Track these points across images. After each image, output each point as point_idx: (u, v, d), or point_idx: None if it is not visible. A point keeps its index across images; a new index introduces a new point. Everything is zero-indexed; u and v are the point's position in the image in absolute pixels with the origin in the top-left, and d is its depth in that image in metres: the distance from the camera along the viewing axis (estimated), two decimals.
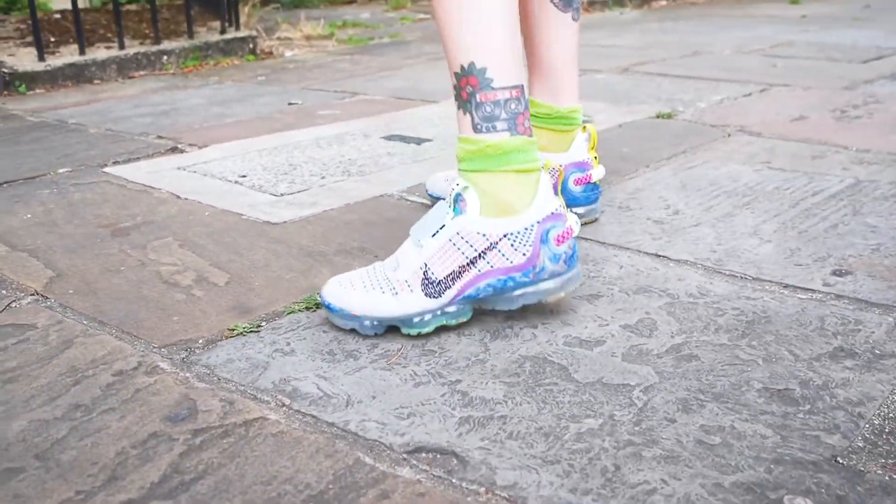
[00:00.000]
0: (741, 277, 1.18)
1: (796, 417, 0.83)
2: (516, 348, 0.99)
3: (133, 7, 4.50)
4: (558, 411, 0.86)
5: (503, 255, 1.01)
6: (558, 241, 1.02)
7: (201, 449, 0.80)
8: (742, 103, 2.31)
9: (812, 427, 0.82)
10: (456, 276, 1.01)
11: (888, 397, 0.86)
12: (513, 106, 1.01)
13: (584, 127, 1.38)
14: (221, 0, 3.62)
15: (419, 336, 1.02)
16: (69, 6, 4.50)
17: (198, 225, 1.45)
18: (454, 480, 0.75)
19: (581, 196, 1.37)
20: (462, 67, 1.01)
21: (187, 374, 0.95)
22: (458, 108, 1.03)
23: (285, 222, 1.45)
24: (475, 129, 1.02)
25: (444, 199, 1.18)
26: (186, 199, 1.61)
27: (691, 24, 4.32)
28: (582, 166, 1.37)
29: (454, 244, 1.01)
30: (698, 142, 1.91)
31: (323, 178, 1.72)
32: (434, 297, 1.01)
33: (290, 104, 2.54)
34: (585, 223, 1.37)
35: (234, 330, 1.05)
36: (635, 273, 1.20)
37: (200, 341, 1.03)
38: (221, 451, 0.80)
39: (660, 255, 1.26)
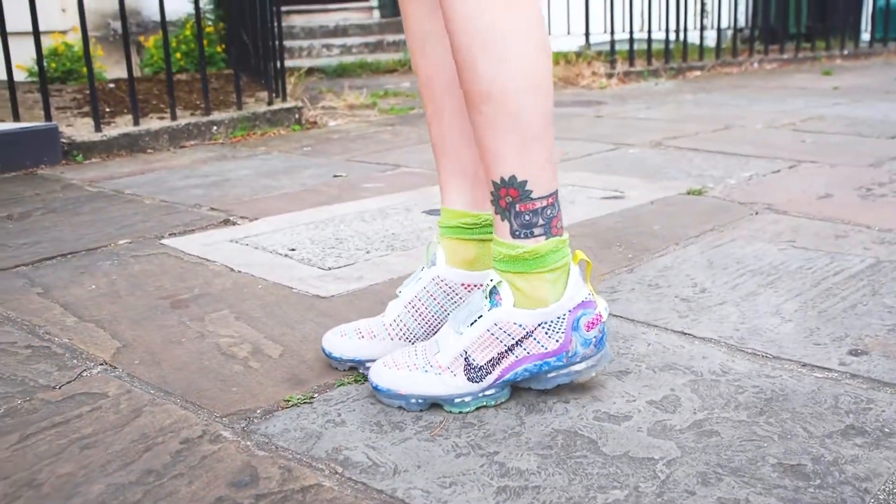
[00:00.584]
0: (762, 356, 1.25)
1: (807, 491, 0.90)
2: (549, 422, 1.07)
3: (183, 77, 4.72)
4: (587, 482, 0.93)
5: (538, 342, 1.09)
6: (588, 327, 1.10)
7: None
8: (770, 180, 2.39)
9: (821, 501, 0.88)
10: (496, 362, 1.09)
11: (894, 473, 0.93)
12: (549, 212, 1.08)
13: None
14: (269, 72, 3.81)
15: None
16: (122, 75, 4.75)
17: (251, 298, 1.56)
18: None
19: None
20: (503, 179, 1.06)
21: (248, 443, 1.04)
22: (496, 213, 1.09)
23: (333, 296, 1.55)
24: (513, 234, 1.08)
25: (340, 359, 1.22)
26: (240, 271, 1.72)
27: (725, 96, 4.42)
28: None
29: (492, 334, 1.09)
30: (726, 219, 1.99)
31: (368, 252, 1.82)
32: (476, 381, 1.09)
33: (335, 176, 2.67)
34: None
35: (289, 401, 1.15)
36: (662, 350, 1.28)
37: (258, 411, 1.12)
38: None
39: (686, 333, 1.34)
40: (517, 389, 1.15)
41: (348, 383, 1.19)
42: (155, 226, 2.11)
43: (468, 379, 1.09)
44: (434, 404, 1.11)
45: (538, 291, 1.09)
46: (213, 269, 1.74)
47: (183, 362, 1.28)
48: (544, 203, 1.08)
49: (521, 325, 1.09)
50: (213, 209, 2.27)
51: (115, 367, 1.27)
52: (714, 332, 1.34)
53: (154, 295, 1.59)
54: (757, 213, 2.03)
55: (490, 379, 1.09)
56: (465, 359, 1.09)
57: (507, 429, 1.06)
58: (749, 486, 0.92)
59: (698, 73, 5.50)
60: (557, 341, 1.10)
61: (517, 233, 1.08)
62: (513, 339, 1.09)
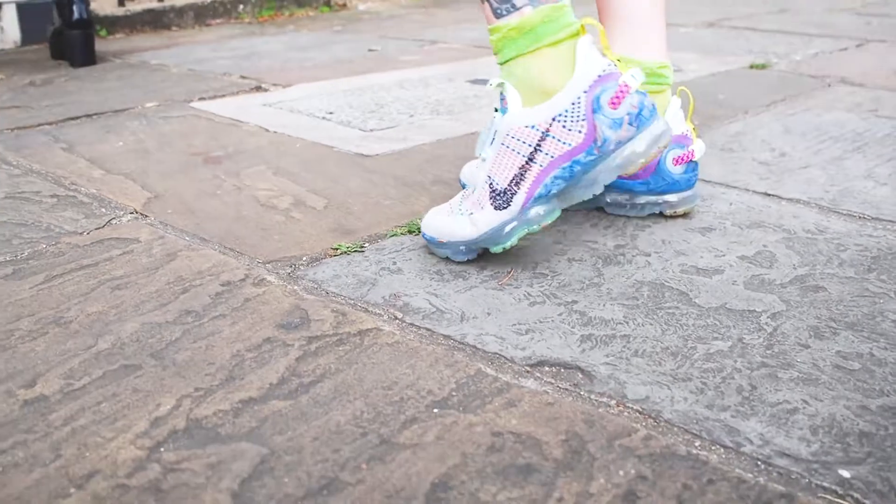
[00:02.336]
0: (859, 217, 1.12)
1: None
2: (631, 273, 0.96)
3: None
4: (683, 333, 0.82)
5: (559, 140, 0.91)
6: (613, 104, 0.90)
7: (317, 355, 0.79)
8: (839, 56, 2.22)
9: None
10: (519, 179, 0.93)
11: None
12: None
13: (678, 90, 1.19)
14: None
15: (528, 259, 0.99)
16: None
17: (289, 155, 1.44)
18: (582, 393, 0.72)
19: (682, 178, 1.11)
20: None
21: (295, 287, 0.93)
22: None
23: (378, 155, 1.43)
24: (496, 14, 0.92)
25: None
26: (275, 132, 1.59)
27: None
28: (681, 141, 1.11)
29: (507, 146, 0.93)
30: (797, 91, 1.83)
31: (411, 115, 1.69)
32: (503, 208, 0.94)
33: (370, 50, 2.52)
34: (682, 213, 1.13)
35: (337, 249, 1.04)
36: (746, 209, 1.15)
37: (304, 258, 1.01)
38: (338, 357, 0.78)
39: (770, 195, 1.21)
40: (587, 240, 1.03)
41: (401, 234, 1.08)
42: (183, 91, 1.98)
43: (495, 208, 0.94)
44: (485, 249, 0.99)
45: (545, 77, 0.91)
46: (246, 130, 1.62)
47: (220, 212, 1.17)
48: None
49: (533, 127, 0.92)
50: (243, 77, 2.14)
51: (147, 216, 1.16)
52: (802, 192, 1.21)
53: (185, 152, 1.48)
54: (830, 86, 1.87)
55: (519, 200, 0.93)
56: (489, 185, 0.95)
57: (585, 279, 0.94)
58: (871, 341, 0.80)
59: None
60: (580, 132, 0.91)
61: (498, 10, 0.92)
62: (529, 146, 0.92)
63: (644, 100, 0.92)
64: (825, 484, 0.61)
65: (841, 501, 0.59)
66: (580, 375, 0.75)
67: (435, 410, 0.70)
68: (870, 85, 1.87)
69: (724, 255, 1.00)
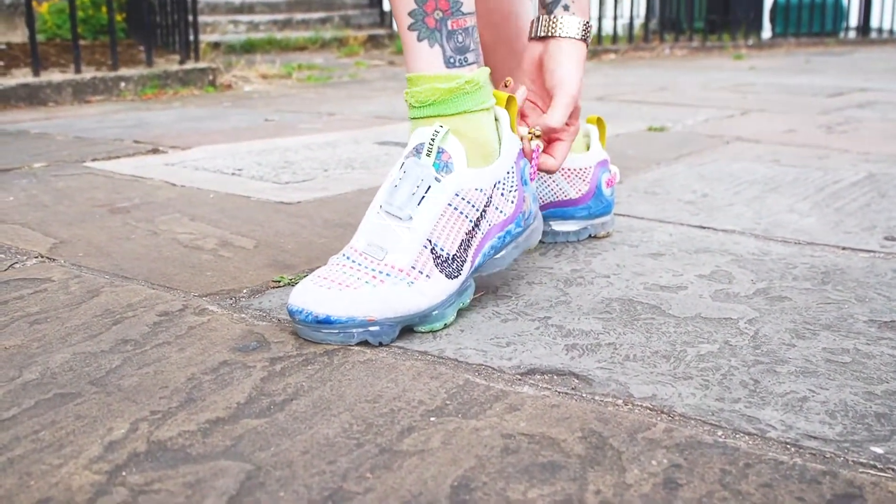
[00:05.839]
0: (796, 242, 1.13)
1: None
2: (596, 292, 0.92)
3: (84, 42, 4.39)
4: (668, 339, 0.79)
5: (497, 208, 0.86)
6: (532, 177, 0.91)
7: (284, 375, 0.71)
8: (728, 121, 2.32)
9: None
10: (466, 245, 0.83)
11: None
12: (475, 34, 0.86)
13: (595, 118, 1.19)
14: (181, 31, 3.55)
15: (485, 285, 0.94)
16: (17, 40, 4.37)
17: (205, 205, 1.36)
18: (585, 395, 0.67)
19: (611, 200, 1.15)
20: None
21: (243, 315, 0.85)
22: (419, 39, 0.84)
23: (300, 202, 1.37)
24: (448, 63, 0.84)
25: None
26: (184, 185, 1.50)
27: (648, 70, 4.40)
28: (606, 165, 1.15)
29: (455, 208, 0.82)
30: (700, 147, 1.89)
31: (326, 170, 1.64)
32: (455, 276, 0.82)
33: (266, 120, 2.46)
34: (606, 235, 1.15)
35: (279, 281, 0.96)
36: (688, 238, 1.15)
37: (245, 291, 0.93)
38: (308, 376, 0.71)
39: (705, 227, 1.22)
40: (545, 272, 1.00)
41: None
42: (74, 153, 1.86)
43: (447, 276, 0.81)
44: (404, 327, 0.80)
45: (488, 140, 0.86)
46: (151, 184, 1.52)
47: (139, 253, 1.08)
48: (473, 21, 0.85)
49: (481, 190, 0.84)
50: (136, 142, 2.04)
51: (55, 259, 1.05)
52: (734, 224, 1.22)
53: (87, 204, 1.37)
54: (728, 143, 1.95)
55: (466, 269, 0.83)
56: (431, 251, 0.81)
57: (551, 298, 0.90)
58: (852, 338, 0.79)
59: (613, 56, 5.49)
60: (513, 202, 0.87)
61: (451, 60, 0.84)
62: (477, 210, 0.83)
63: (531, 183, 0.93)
64: (862, 460, 0.57)
65: (882, 474, 0.56)
66: (576, 380, 0.70)
67: (432, 419, 0.63)
68: (765, 141, 1.96)
69: (682, 275, 0.99)
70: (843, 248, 1.10)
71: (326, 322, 0.76)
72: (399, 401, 0.66)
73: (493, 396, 0.67)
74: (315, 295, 0.77)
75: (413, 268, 0.80)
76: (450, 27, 0.84)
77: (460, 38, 0.84)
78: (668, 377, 0.70)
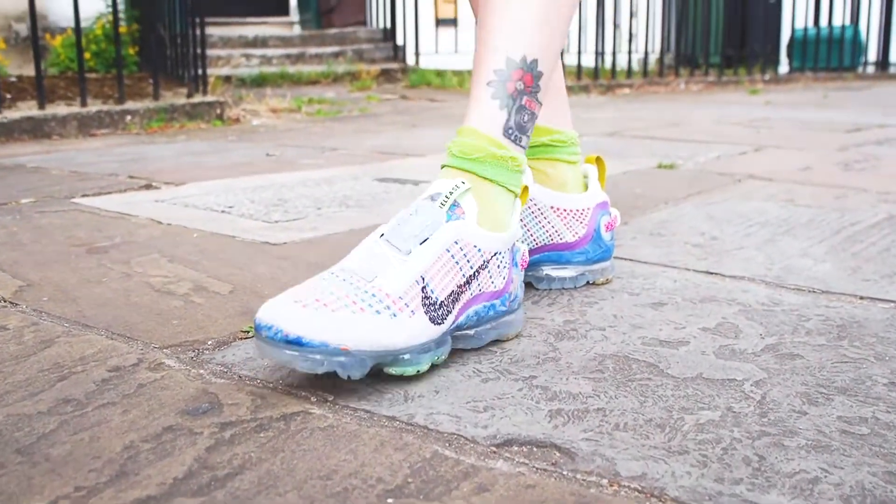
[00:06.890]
0: (810, 291, 1.06)
1: None
2: (589, 347, 0.85)
3: (93, 76, 4.38)
4: (665, 404, 0.71)
5: (490, 277, 0.83)
6: (522, 264, 0.90)
7: (233, 443, 0.64)
8: (741, 158, 2.25)
9: None
10: (455, 298, 0.79)
11: None
12: (534, 125, 0.89)
13: (594, 158, 1.13)
14: (188, 65, 3.53)
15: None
16: (29, 73, 4.37)
17: (186, 245, 1.29)
18: (565, 472, 0.60)
19: (611, 245, 1.09)
20: (524, 59, 0.84)
21: (201, 371, 0.78)
22: (493, 97, 0.84)
23: (286, 243, 1.30)
24: (506, 132, 0.85)
25: None
26: (169, 224, 1.45)
27: (661, 105, 4.34)
28: (606, 207, 1.09)
29: (452, 256, 0.79)
30: (710, 185, 1.82)
31: (319, 209, 1.58)
32: (438, 322, 0.77)
33: (267, 155, 2.41)
34: (606, 281, 1.09)
35: (248, 332, 0.89)
36: (693, 286, 1.07)
37: (210, 342, 0.86)
38: (259, 445, 0.63)
39: (712, 273, 1.14)
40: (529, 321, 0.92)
41: None
42: (65, 189, 1.81)
43: (430, 320, 0.76)
44: (376, 370, 0.75)
45: (501, 210, 0.85)
46: (135, 222, 1.46)
47: (106, 298, 1.01)
48: (539, 111, 0.88)
49: (480, 251, 0.82)
50: (131, 177, 1.99)
51: (17, 304, 0.99)
52: (744, 270, 1.15)
53: (65, 243, 1.31)
54: (740, 181, 1.87)
55: (449, 321, 0.79)
56: (422, 291, 0.76)
57: (539, 354, 0.83)
58: (870, 405, 0.71)
59: (627, 90, 5.44)
60: (503, 278, 0.85)
61: (510, 132, 0.85)
62: (472, 268, 0.81)
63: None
64: None
65: None
66: (557, 454, 0.62)
67: (389, 500, 0.56)
68: (778, 180, 1.88)
69: (684, 328, 0.91)
70: (861, 298, 1.03)
71: (297, 343, 0.69)
72: (355, 478, 0.59)
73: (461, 473, 0.59)
74: (288, 311, 0.71)
75: (401, 298, 0.75)
76: (523, 103, 0.85)
77: (525, 118, 0.86)
78: (662, 451, 0.62)
